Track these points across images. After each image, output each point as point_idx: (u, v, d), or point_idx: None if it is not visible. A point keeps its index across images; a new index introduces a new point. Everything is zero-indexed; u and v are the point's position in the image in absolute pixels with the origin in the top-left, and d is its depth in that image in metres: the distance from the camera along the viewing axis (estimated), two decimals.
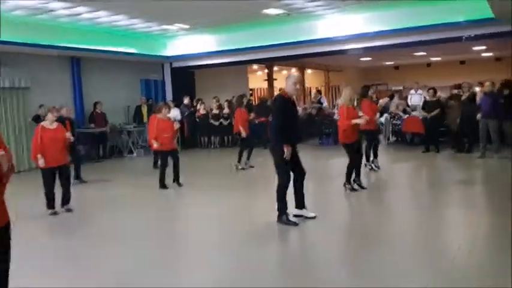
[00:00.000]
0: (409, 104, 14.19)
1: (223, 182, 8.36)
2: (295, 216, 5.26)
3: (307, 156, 11.02)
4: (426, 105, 10.68)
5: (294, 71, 22.90)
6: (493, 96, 8.96)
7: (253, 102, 22.90)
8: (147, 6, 9.52)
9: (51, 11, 9.40)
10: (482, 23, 10.14)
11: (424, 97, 11.87)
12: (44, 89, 11.50)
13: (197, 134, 14.20)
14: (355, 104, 6.78)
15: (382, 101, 14.89)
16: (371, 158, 8.62)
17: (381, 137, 12.75)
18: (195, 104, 14.41)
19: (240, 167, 9.41)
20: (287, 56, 13.84)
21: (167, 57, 14.29)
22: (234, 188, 7.78)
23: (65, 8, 9.28)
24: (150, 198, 7.20)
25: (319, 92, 17.42)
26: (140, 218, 5.95)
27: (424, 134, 10.80)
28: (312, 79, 24.72)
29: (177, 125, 7.93)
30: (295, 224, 5.06)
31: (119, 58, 13.16)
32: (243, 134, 9.28)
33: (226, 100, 14.30)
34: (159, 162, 8.22)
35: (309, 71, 23.69)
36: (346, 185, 6.81)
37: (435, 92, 10.46)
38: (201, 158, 12.51)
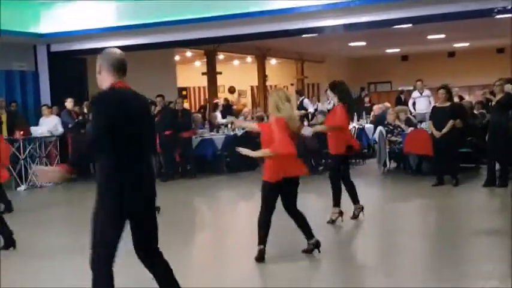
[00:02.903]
0: (413, 112, 14.19)
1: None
2: None
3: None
4: (434, 115, 10.64)
5: (250, 60, 22.77)
6: None
7: (192, 107, 22.87)
8: None
9: None
10: None
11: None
12: None
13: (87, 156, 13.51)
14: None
15: (377, 108, 15.09)
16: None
17: (374, 161, 12.67)
18: (85, 111, 13.78)
19: None
20: (234, 36, 13.82)
21: (42, 35, 13.96)
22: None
23: None
24: None
25: (299, 93, 17.45)
26: None
27: (434, 157, 10.66)
28: (279, 73, 24.76)
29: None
30: None
31: None
32: None
33: None
34: None
35: (272, 62, 23.65)
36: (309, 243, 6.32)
37: (449, 93, 10.33)
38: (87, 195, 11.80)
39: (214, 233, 8.43)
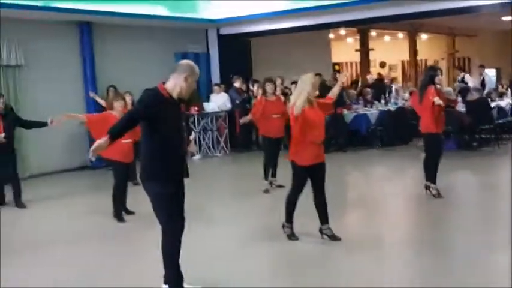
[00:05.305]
0: None
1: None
2: None
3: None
4: None
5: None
6: None
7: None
8: None
9: None
10: None
11: None
12: (42, 65, 12.14)
13: (253, 130, 14.36)
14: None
15: None
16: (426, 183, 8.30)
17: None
18: (251, 88, 14.54)
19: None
20: (385, 17, 13.90)
21: (213, 20, 14.64)
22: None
23: None
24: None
25: (460, 69, 17.60)
26: None
27: None
28: (429, 48, 24.30)
29: None
30: None
31: (144, 23, 13.53)
32: None
33: (294, 82, 14.32)
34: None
35: (423, 37, 23.35)
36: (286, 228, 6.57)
37: None
38: (252, 165, 11.57)
39: (364, 209, 8.26)
